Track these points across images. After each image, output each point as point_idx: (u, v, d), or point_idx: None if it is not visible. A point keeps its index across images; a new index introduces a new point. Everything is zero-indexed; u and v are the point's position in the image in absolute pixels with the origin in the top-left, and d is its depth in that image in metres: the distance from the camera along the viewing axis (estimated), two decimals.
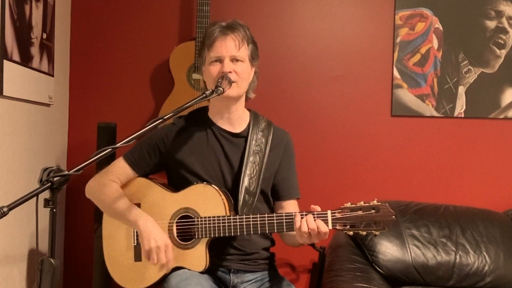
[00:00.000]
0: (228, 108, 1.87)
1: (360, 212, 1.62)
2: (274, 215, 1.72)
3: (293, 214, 1.68)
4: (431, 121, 2.86)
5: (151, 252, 1.75)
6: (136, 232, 1.84)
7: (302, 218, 1.64)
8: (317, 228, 1.61)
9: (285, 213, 1.72)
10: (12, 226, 2.17)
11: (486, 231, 2.50)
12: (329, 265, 2.38)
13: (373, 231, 1.62)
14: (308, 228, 1.62)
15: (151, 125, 1.55)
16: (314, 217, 1.63)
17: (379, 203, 1.63)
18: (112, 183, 1.86)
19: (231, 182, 1.86)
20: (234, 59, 1.80)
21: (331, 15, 2.88)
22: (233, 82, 1.78)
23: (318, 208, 1.65)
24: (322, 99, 2.88)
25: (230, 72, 1.78)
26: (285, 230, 1.70)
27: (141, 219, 1.78)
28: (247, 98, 1.93)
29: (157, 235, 1.75)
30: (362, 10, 2.88)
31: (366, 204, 1.63)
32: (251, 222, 1.72)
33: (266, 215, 1.72)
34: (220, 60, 1.80)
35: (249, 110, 1.96)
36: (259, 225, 1.71)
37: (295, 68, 2.89)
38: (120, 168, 1.89)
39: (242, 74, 1.81)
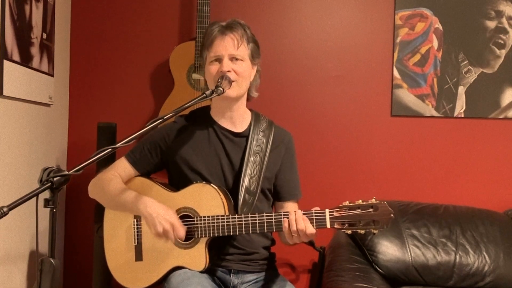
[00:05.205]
0: (230, 107, 1.87)
1: (358, 211, 1.62)
2: (273, 214, 1.71)
3: (289, 213, 1.67)
4: (431, 121, 2.86)
5: (161, 236, 1.74)
6: (137, 232, 1.84)
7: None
8: (305, 229, 1.62)
9: (283, 211, 1.72)
10: (12, 226, 2.17)
11: (486, 231, 2.50)
12: (329, 265, 2.37)
13: (372, 230, 1.62)
14: (297, 229, 1.62)
15: (151, 125, 1.55)
16: (310, 218, 1.63)
17: (377, 202, 1.62)
18: (118, 177, 1.86)
19: (232, 181, 1.86)
20: (233, 58, 1.80)
21: (331, 15, 2.88)
22: (233, 81, 1.77)
23: (317, 209, 1.66)
24: (322, 99, 2.88)
25: (228, 71, 1.77)
26: (283, 229, 1.70)
27: (140, 204, 1.75)
28: (250, 97, 1.93)
29: (160, 218, 1.71)
30: (362, 10, 2.88)
31: (364, 203, 1.63)
32: (250, 221, 1.71)
33: (264, 214, 1.72)
34: (219, 59, 1.80)
35: (250, 110, 1.96)
36: (257, 224, 1.71)
37: (295, 68, 2.89)
38: (122, 167, 1.90)
39: (242, 73, 1.81)
